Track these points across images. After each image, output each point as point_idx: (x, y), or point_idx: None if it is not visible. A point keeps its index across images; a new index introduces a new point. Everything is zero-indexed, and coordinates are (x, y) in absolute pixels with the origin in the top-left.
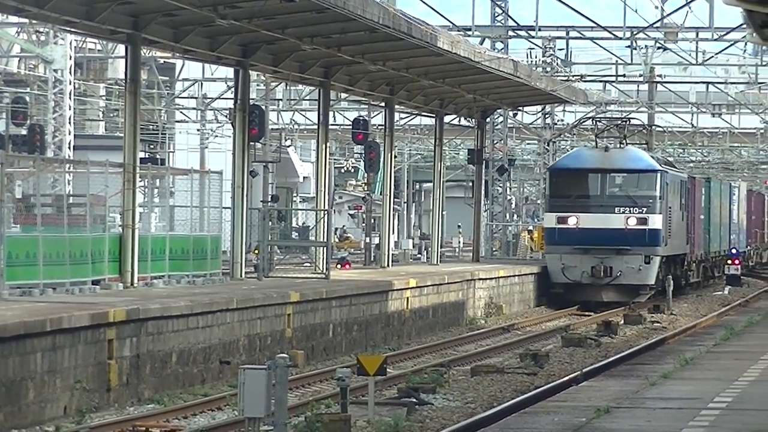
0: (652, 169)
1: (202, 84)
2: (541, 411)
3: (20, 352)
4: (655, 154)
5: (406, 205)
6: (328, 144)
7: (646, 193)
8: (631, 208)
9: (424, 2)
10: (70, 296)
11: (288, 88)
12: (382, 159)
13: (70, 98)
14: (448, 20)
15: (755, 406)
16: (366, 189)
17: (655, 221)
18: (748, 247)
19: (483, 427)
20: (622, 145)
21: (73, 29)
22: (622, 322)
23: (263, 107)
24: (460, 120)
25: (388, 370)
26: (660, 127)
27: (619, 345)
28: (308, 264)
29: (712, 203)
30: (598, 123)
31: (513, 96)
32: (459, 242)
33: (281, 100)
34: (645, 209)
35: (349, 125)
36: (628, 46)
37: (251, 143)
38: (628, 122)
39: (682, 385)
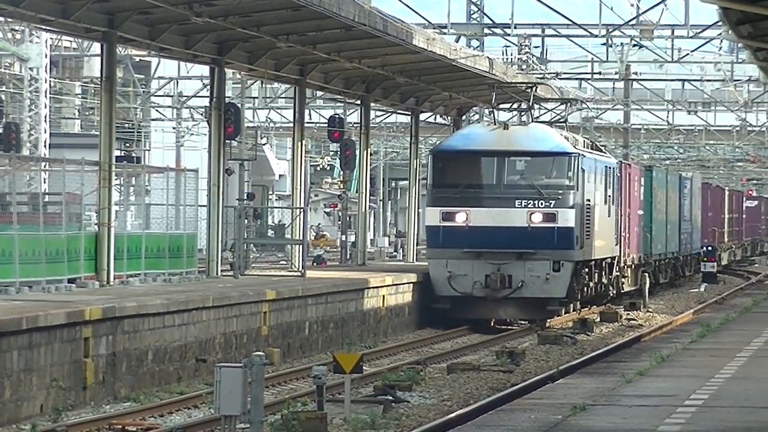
0: (563, 151)
1: (177, 82)
2: (517, 408)
3: None
4: (571, 133)
5: (381, 202)
6: (303, 142)
7: (555, 182)
8: (536, 201)
9: (399, 0)
10: (46, 294)
11: (264, 86)
12: (357, 157)
13: (45, 96)
14: (423, 18)
15: (731, 403)
16: (342, 187)
17: (567, 217)
18: (703, 248)
19: (459, 425)
20: (525, 122)
21: (48, 27)
22: (599, 319)
23: (239, 105)
24: (435, 118)
25: (364, 367)
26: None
27: (595, 342)
28: (284, 262)
29: (656, 196)
30: (496, 89)
31: (489, 94)
32: None
33: (257, 98)
34: (554, 202)
35: (325, 123)
36: (604, 44)
37: (227, 141)
38: (534, 89)
39: (659, 382)
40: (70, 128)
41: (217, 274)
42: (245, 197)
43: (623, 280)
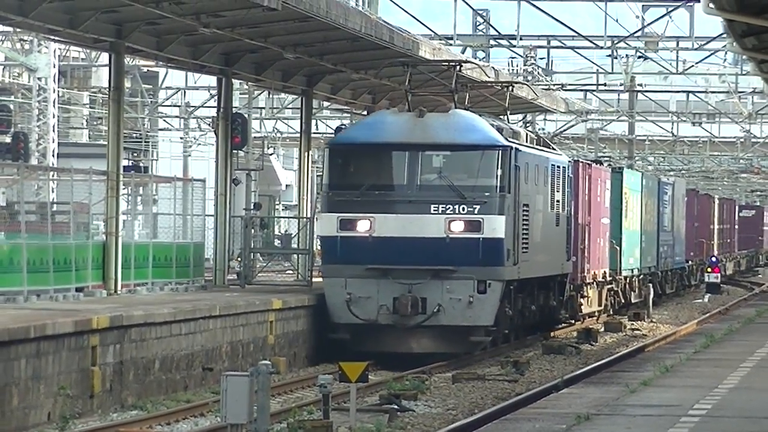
0: (490, 143)
1: (185, 92)
2: (521, 418)
3: (4, 358)
4: (508, 124)
5: None
6: (310, 152)
7: (482, 182)
8: (457, 206)
9: (405, 11)
10: (54, 303)
11: (270, 96)
12: None
13: (54, 106)
14: (429, 29)
15: (735, 414)
16: None
17: (495, 226)
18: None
19: None
20: (446, 108)
21: (56, 38)
22: (603, 329)
23: (246, 115)
24: None
25: (369, 376)
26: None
27: (600, 352)
28: (291, 271)
29: (629, 203)
30: (410, 70)
31: (494, 104)
32: None
33: (264, 108)
34: (479, 207)
35: (332, 133)
36: (609, 56)
37: (234, 151)
38: (459, 67)
39: (662, 392)
40: (78, 138)
41: (224, 283)
42: (252, 207)
43: (582, 300)
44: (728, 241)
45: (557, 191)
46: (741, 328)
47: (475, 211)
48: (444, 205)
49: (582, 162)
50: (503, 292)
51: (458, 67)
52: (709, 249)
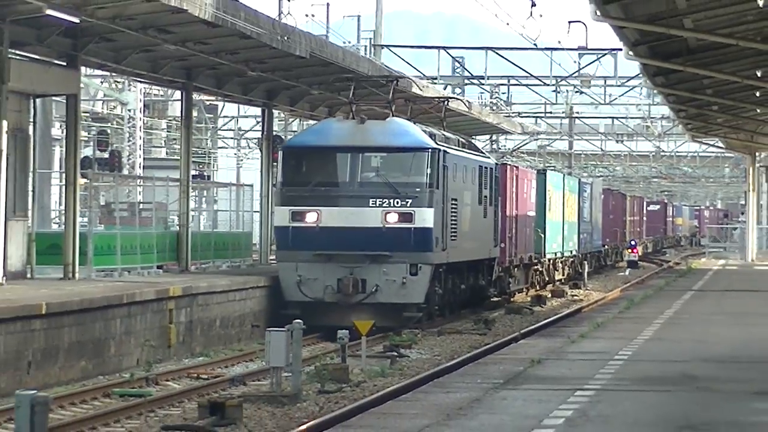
0: (421, 146)
1: (237, 120)
2: (490, 362)
3: (104, 318)
4: (441, 130)
5: None
6: None
7: (412, 179)
8: (392, 200)
9: (401, 57)
10: (141, 277)
11: (301, 122)
12: None
13: (140, 130)
14: (419, 71)
15: (649, 358)
16: None
17: (425, 217)
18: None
19: (447, 374)
20: (384, 116)
21: (142, 79)
22: (550, 295)
23: (283, 137)
24: None
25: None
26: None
27: (548, 312)
28: None
29: (552, 199)
30: (353, 86)
31: (468, 128)
32: None
33: (296, 131)
34: (410, 201)
35: None
36: (554, 91)
37: (274, 163)
38: (395, 83)
39: (595, 342)
40: (158, 154)
41: (266, 262)
42: None
43: (510, 279)
44: (638, 229)
45: (485, 188)
46: (654, 294)
47: (408, 205)
48: (381, 199)
49: (509, 165)
50: (432, 274)
51: (395, 83)
52: (622, 236)
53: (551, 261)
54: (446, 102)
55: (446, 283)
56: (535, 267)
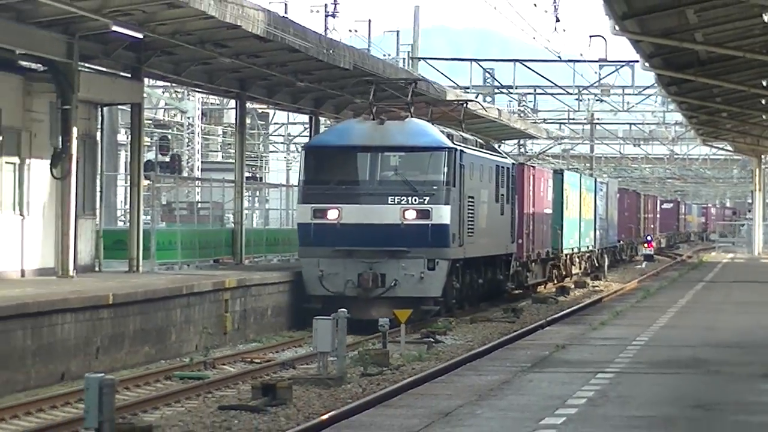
0: (438, 145)
1: (287, 126)
2: (518, 347)
3: (166, 308)
4: (459, 131)
5: None
6: None
7: (429, 178)
8: (410, 198)
9: (436, 69)
10: (199, 271)
11: None
12: None
13: (198, 136)
14: (453, 82)
15: (663, 343)
16: None
17: (441, 214)
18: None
19: (479, 358)
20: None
21: (199, 90)
22: (573, 286)
23: None
24: None
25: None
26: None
27: (571, 302)
28: None
29: (569, 198)
30: (373, 88)
31: (497, 133)
32: None
33: None
34: (428, 198)
35: None
36: (576, 99)
37: None
38: (414, 85)
39: (614, 329)
40: (215, 157)
41: None
42: None
43: (528, 273)
44: (651, 226)
45: (502, 187)
46: (668, 285)
47: (425, 202)
48: (399, 197)
49: (526, 165)
50: (449, 269)
51: (414, 85)
52: (637, 232)
53: (568, 256)
54: (465, 104)
55: (464, 278)
56: (553, 261)
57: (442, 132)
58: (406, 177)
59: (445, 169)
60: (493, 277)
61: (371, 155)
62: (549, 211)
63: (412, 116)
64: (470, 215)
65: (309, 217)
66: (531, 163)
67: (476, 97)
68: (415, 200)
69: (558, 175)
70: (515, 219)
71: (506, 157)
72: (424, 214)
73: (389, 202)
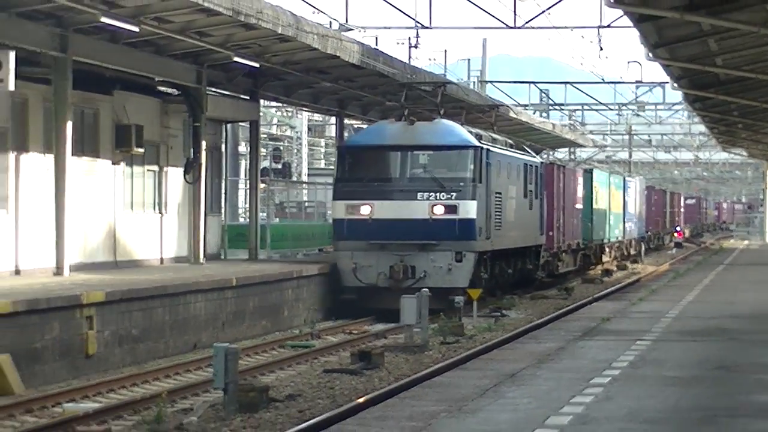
0: (465, 144)
1: None
2: (570, 319)
3: (279, 288)
4: (488, 131)
5: None
6: None
7: (456, 175)
8: (438, 194)
9: (501, 90)
10: (305, 258)
11: None
12: None
13: (305, 147)
14: (514, 100)
15: (691, 315)
16: None
17: (468, 209)
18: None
19: (538, 329)
20: (432, 118)
21: (306, 109)
22: (615, 269)
23: None
24: None
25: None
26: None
27: (614, 282)
28: None
29: (598, 194)
30: (406, 90)
31: (552, 143)
32: None
33: None
34: (455, 194)
35: None
36: (617, 114)
37: None
38: (443, 87)
39: (650, 304)
40: (318, 165)
41: None
42: None
43: (558, 263)
44: (676, 219)
45: (530, 183)
46: (694, 267)
47: (453, 198)
48: (428, 193)
49: (556, 165)
50: (477, 261)
51: (442, 88)
52: (663, 225)
53: (598, 246)
54: (496, 108)
55: (493, 268)
56: (583, 251)
57: (470, 132)
58: (435, 174)
59: (472, 167)
60: (523, 267)
61: (401, 154)
62: (579, 206)
63: (441, 117)
64: (497, 210)
65: (343, 212)
66: (575, 167)
67: (533, 113)
68: (443, 196)
69: (588, 173)
70: (544, 213)
71: (535, 157)
72: (451, 209)
73: (418, 198)
